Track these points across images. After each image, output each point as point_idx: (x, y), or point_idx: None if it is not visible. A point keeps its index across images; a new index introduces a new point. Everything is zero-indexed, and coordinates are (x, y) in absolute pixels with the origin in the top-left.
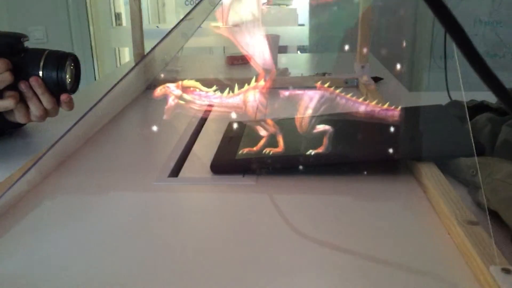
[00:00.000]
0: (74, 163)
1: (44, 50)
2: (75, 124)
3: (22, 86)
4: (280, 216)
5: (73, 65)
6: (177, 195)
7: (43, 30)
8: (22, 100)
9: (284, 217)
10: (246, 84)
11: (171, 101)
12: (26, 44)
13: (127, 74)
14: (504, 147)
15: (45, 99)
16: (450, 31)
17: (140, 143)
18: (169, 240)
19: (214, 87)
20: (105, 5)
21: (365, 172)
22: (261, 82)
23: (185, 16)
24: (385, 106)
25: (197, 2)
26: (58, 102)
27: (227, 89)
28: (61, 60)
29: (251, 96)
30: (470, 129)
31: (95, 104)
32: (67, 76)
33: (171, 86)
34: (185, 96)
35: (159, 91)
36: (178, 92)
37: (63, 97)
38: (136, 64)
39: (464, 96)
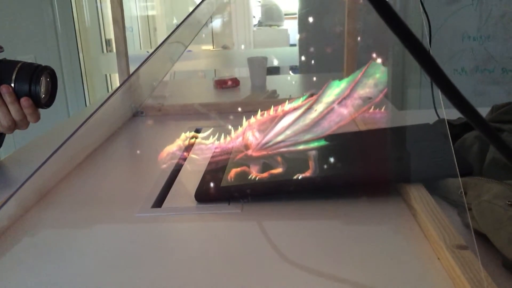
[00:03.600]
0: (55, 197)
1: (18, 62)
2: (54, 152)
3: None
4: (268, 243)
5: (49, 79)
6: (160, 226)
7: (32, 59)
8: None
9: (272, 245)
10: (239, 127)
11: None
12: (2, 55)
13: (102, 104)
14: (492, 166)
15: (14, 109)
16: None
17: (124, 173)
18: (153, 272)
19: (211, 139)
20: (95, 31)
21: (352, 194)
22: (252, 119)
23: (166, 39)
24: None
25: (188, 26)
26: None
27: (222, 135)
28: (36, 73)
29: (249, 136)
30: (454, 148)
31: (72, 134)
32: (42, 90)
33: (175, 150)
34: (192, 156)
35: (165, 157)
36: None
37: (23, 100)
38: (114, 92)
39: (444, 114)
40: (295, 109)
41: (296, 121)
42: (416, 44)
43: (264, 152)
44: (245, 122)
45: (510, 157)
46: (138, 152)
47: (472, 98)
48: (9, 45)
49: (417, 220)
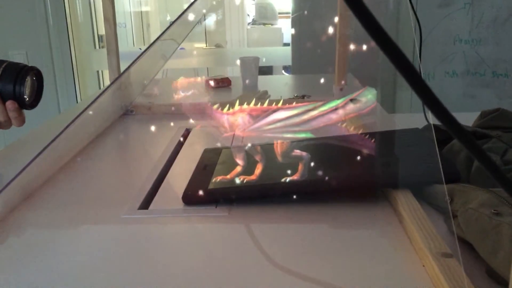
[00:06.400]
0: (41, 196)
1: (4, 61)
2: (41, 152)
3: None
4: (255, 246)
5: (35, 78)
6: (146, 227)
7: (23, 55)
8: None
9: (259, 248)
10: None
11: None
12: None
13: (91, 103)
14: (479, 173)
15: None
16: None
17: (112, 173)
18: (137, 274)
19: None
20: (87, 27)
21: (340, 198)
22: (245, 106)
23: (158, 38)
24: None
25: (182, 24)
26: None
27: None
28: (21, 74)
29: (240, 118)
30: (443, 154)
31: (59, 134)
32: (27, 91)
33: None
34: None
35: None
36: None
37: (8, 103)
38: (103, 91)
39: (431, 119)
40: (290, 108)
41: (288, 118)
42: (396, 50)
43: (252, 134)
44: (237, 106)
45: (491, 170)
46: (127, 151)
47: (462, 101)
48: (0, 40)
49: (403, 226)
